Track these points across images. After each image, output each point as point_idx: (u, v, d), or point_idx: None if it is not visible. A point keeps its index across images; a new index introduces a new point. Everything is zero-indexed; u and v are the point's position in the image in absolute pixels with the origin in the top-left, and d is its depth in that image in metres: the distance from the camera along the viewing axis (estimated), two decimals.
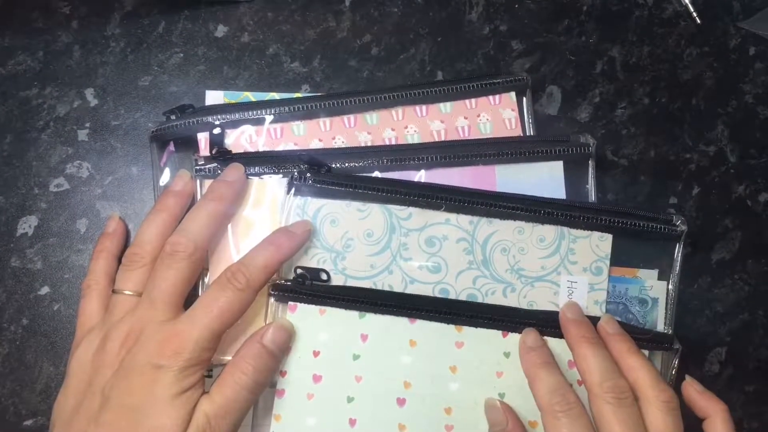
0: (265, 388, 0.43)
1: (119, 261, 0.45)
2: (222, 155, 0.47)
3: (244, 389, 0.40)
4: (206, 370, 0.40)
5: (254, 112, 0.49)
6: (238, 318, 0.41)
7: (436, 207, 0.46)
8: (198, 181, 0.47)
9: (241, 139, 0.49)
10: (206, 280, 0.46)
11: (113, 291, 0.43)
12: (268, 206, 0.47)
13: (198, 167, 0.46)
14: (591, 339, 0.43)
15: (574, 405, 0.40)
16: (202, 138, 0.48)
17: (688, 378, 0.44)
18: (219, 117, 0.48)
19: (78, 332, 0.44)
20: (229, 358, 0.46)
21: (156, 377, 0.38)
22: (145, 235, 0.44)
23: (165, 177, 0.48)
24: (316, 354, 0.45)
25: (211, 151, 0.48)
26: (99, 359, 0.40)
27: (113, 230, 0.48)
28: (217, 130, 0.48)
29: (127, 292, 0.43)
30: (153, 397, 0.38)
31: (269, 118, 0.49)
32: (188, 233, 0.42)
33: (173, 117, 0.48)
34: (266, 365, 0.42)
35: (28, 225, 0.49)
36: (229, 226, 0.46)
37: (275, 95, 0.51)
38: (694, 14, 0.55)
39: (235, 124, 0.49)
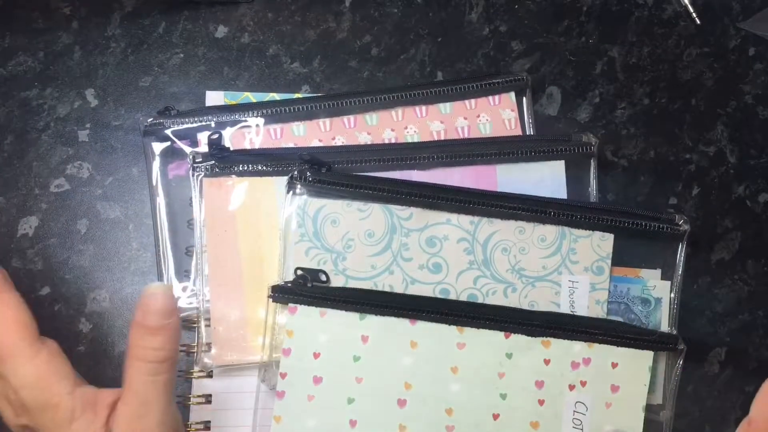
0: (174, 363, 0.37)
1: None
2: (220, 153, 0.47)
3: (163, 383, 0.36)
4: (71, 390, 0.36)
5: (254, 113, 0.49)
6: (28, 319, 0.36)
7: (437, 207, 0.46)
8: (196, 179, 0.46)
9: (241, 139, 0.49)
10: (204, 277, 0.46)
11: None
12: (268, 205, 0.47)
13: (195, 164, 0.46)
14: None
15: None
16: (202, 138, 0.48)
17: None
18: (218, 117, 0.48)
19: None
20: (228, 357, 0.46)
21: None
22: None
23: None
24: (316, 356, 0.45)
25: (209, 149, 0.47)
26: None
27: None
28: (215, 135, 0.48)
29: None
30: None
31: (269, 118, 0.49)
32: None
33: (171, 113, 0.48)
34: (170, 345, 0.36)
35: (28, 225, 0.49)
36: (229, 226, 0.46)
37: (275, 96, 0.51)
38: (694, 15, 0.55)
39: (233, 125, 0.49)
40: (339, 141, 0.50)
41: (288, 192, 0.45)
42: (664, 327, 0.49)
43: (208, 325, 0.46)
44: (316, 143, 0.49)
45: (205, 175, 0.46)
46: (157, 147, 0.48)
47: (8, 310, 0.35)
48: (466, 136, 0.51)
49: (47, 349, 0.36)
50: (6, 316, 0.35)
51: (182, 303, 0.47)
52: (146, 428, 0.35)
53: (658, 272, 0.49)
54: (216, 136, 0.48)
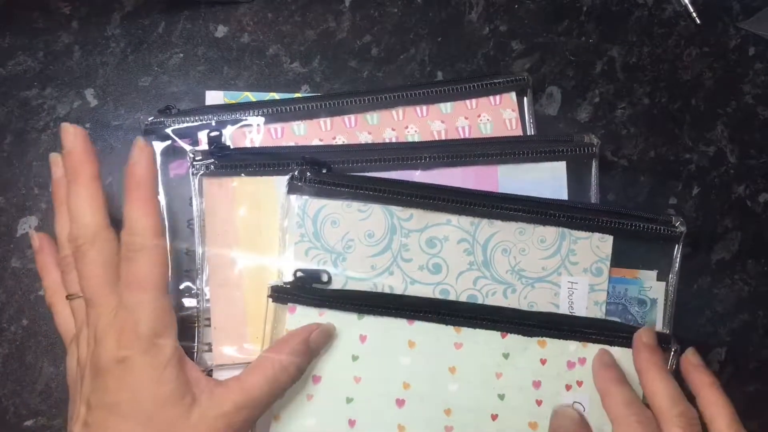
0: (293, 384, 0.43)
1: None
2: (220, 151, 0.47)
3: (279, 383, 0.41)
4: (174, 339, 0.39)
5: (254, 112, 0.49)
6: (165, 271, 0.39)
7: (437, 208, 0.46)
8: (195, 179, 0.46)
9: (242, 138, 0.49)
10: (204, 277, 0.46)
11: (67, 296, 0.42)
12: (268, 205, 0.47)
13: (195, 163, 0.46)
14: (663, 366, 0.44)
15: (650, 419, 0.41)
16: (202, 137, 0.48)
17: (689, 351, 0.45)
18: (219, 116, 0.48)
19: (66, 346, 0.44)
20: (228, 356, 0.46)
21: (126, 369, 0.37)
22: (61, 236, 0.43)
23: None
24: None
25: (209, 147, 0.47)
26: (79, 369, 0.40)
27: (39, 245, 0.46)
28: (215, 134, 0.48)
29: (80, 294, 0.41)
30: (133, 389, 0.37)
31: (269, 117, 0.49)
32: (77, 223, 0.39)
33: (171, 112, 0.48)
34: (306, 364, 0.43)
35: (28, 225, 0.49)
36: (229, 225, 0.46)
37: (275, 95, 0.51)
38: (694, 14, 0.55)
39: (234, 124, 0.49)
40: (340, 140, 0.50)
41: (288, 192, 0.45)
42: (659, 327, 0.49)
43: (208, 325, 0.46)
44: (316, 143, 0.49)
45: (205, 174, 0.46)
46: (158, 146, 0.48)
47: (160, 255, 0.39)
48: (466, 135, 0.51)
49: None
50: (158, 259, 0.39)
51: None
52: (224, 418, 0.39)
53: (654, 273, 0.49)
54: (216, 134, 0.48)
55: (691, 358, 0.45)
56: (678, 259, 0.48)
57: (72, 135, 0.40)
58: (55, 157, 0.44)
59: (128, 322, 0.38)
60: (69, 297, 0.42)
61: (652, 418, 0.41)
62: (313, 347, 0.43)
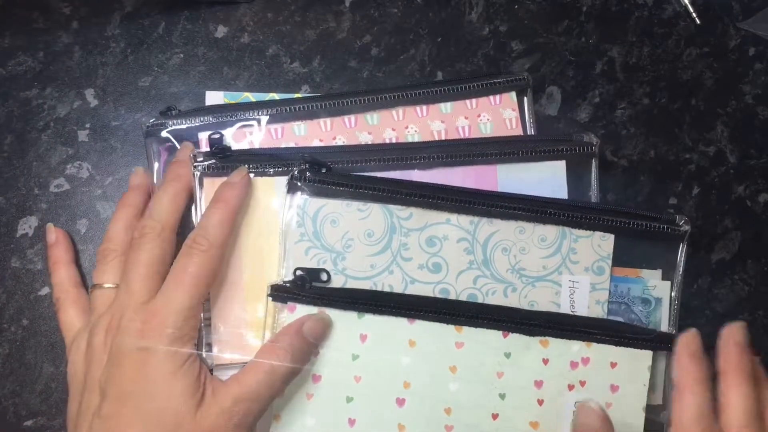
0: (294, 378, 0.43)
1: (77, 266, 0.48)
2: (221, 152, 0.47)
3: (277, 375, 0.41)
4: (195, 341, 0.41)
5: (254, 113, 0.49)
6: (212, 280, 0.42)
7: (436, 207, 0.46)
8: (196, 178, 0.46)
9: (242, 138, 0.49)
10: None
11: (93, 286, 0.44)
12: (268, 205, 0.47)
13: (196, 164, 0.46)
14: (748, 375, 0.42)
15: None
16: (203, 138, 0.48)
17: (739, 326, 0.44)
18: (219, 117, 0.48)
19: (66, 343, 0.44)
20: (228, 356, 0.46)
21: (146, 360, 0.38)
22: (112, 230, 0.45)
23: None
24: (315, 354, 0.45)
25: (210, 149, 0.47)
26: (89, 356, 0.41)
27: (55, 239, 0.48)
28: (216, 135, 0.48)
29: (106, 285, 0.44)
30: (149, 380, 0.38)
31: (269, 118, 0.49)
32: (153, 214, 0.43)
33: (173, 113, 0.48)
34: (302, 355, 0.43)
35: (28, 225, 0.49)
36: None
37: (275, 96, 0.51)
38: (694, 15, 0.55)
39: (234, 124, 0.49)
40: (340, 141, 0.50)
41: (288, 192, 0.45)
42: (664, 327, 0.49)
43: (208, 325, 0.46)
44: (316, 143, 0.49)
45: (206, 174, 0.46)
46: (161, 147, 0.48)
47: (215, 264, 0.42)
48: (466, 135, 0.51)
49: None
50: (212, 266, 0.42)
51: None
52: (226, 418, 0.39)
53: (658, 272, 0.49)
54: (217, 135, 0.48)
55: (736, 336, 0.44)
56: (683, 258, 0.48)
57: (186, 149, 0.46)
58: (138, 169, 0.48)
59: (158, 314, 0.39)
60: (96, 286, 0.44)
61: None
62: (309, 337, 0.43)
